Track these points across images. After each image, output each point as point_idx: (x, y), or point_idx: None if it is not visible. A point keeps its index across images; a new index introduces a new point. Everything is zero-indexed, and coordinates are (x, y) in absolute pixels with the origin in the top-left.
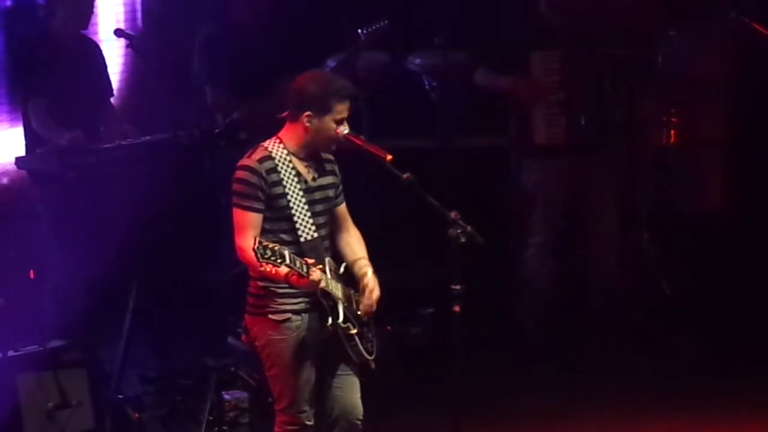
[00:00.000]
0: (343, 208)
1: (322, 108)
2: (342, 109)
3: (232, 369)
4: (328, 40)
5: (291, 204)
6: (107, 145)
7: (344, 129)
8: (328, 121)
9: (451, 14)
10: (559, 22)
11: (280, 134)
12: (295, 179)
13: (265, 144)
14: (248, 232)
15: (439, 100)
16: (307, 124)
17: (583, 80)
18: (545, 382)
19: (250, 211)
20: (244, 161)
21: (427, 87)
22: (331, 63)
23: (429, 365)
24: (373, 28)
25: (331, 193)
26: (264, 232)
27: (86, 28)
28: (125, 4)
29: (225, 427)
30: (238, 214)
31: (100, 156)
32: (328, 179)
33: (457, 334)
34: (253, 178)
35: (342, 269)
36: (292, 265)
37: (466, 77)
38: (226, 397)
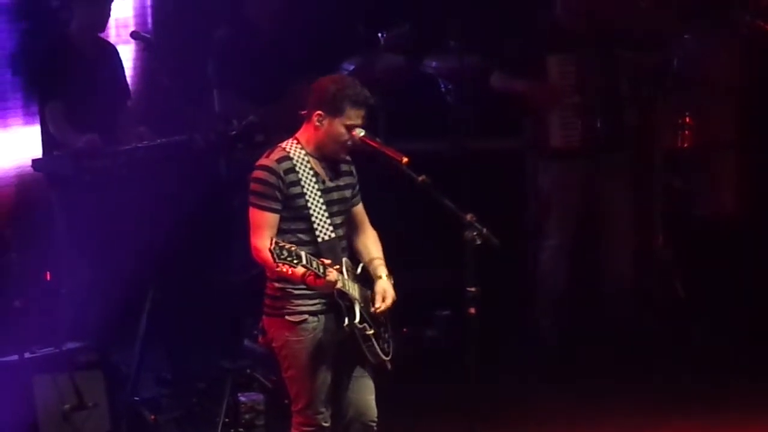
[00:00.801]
0: (360, 209)
1: (334, 109)
2: (354, 115)
3: (248, 371)
4: (343, 43)
5: (309, 204)
6: (123, 148)
7: (360, 132)
8: (338, 125)
9: (467, 17)
10: (575, 25)
11: (297, 135)
12: (313, 179)
13: (283, 144)
14: (264, 233)
15: (454, 103)
16: (317, 124)
17: (598, 83)
18: (559, 383)
19: (267, 211)
20: (262, 161)
21: (442, 90)
22: (347, 66)
23: (444, 367)
24: (394, 32)
25: (348, 193)
26: (281, 232)
27: (103, 30)
28: (134, 8)
29: (241, 429)
30: (254, 213)
31: (116, 159)
32: (345, 179)
33: (473, 336)
34: (271, 178)
35: (359, 270)
36: (308, 265)
37: (481, 80)
38: (242, 399)
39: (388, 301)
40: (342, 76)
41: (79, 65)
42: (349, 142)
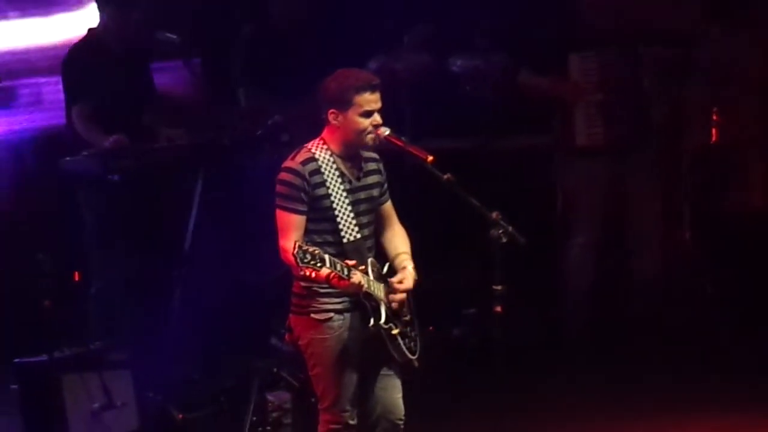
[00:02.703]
0: (388, 206)
1: (343, 103)
2: (362, 101)
3: (275, 370)
4: (368, 41)
5: (334, 205)
6: (150, 147)
7: (385, 131)
8: (352, 116)
9: (492, 15)
10: (599, 23)
11: (323, 135)
12: (339, 180)
13: (309, 145)
14: (291, 234)
15: (479, 101)
16: (334, 122)
17: (622, 81)
18: (587, 380)
19: (293, 213)
20: (288, 163)
21: (467, 88)
22: (372, 64)
23: (471, 365)
24: (419, 30)
25: (375, 192)
26: (308, 232)
27: (130, 35)
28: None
29: (268, 428)
30: (281, 215)
31: (144, 158)
32: (372, 178)
33: (499, 335)
34: (296, 180)
35: (386, 269)
36: (332, 268)
37: (507, 78)
38: (270, 397)
39: (401, 292)
40: (341, 71)
41: (105, 66)
42: (371, 130)
